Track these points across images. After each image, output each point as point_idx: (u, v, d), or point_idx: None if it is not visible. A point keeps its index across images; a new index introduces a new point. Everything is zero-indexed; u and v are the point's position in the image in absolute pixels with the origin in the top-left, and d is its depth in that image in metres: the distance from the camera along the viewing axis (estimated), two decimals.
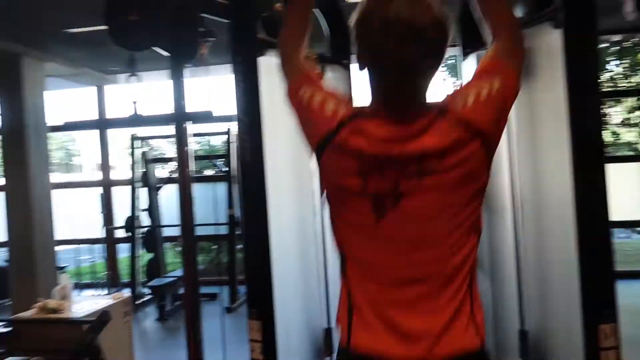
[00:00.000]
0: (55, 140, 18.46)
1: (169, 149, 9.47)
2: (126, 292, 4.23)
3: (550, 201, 2.01)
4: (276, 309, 1.92)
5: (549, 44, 2.06)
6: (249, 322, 1.90)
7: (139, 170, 6.36)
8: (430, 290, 1.07)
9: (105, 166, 7.77)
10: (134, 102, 1.75)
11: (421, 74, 1.09)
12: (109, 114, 7.69)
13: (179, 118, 1.86)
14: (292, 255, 2.16)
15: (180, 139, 1.88)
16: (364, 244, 1.10)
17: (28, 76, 5.92)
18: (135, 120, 1.76)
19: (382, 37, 1.02)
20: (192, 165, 2.00)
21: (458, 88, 1.16)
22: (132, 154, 6.32)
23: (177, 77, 1.86)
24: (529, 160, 2.16)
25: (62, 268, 3.43)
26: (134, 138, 6.15)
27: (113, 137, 8.50)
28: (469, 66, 2.62)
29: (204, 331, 2.58)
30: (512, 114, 2.25)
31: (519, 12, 2.29)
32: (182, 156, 1.90)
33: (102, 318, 2.72)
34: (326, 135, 1.10)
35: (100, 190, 7.12)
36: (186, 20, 1.81)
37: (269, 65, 2.23)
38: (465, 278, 1.09)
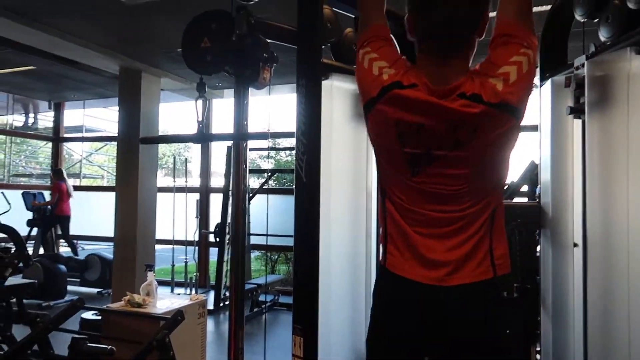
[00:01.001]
0: (172, 146, 20.20)
1: (263, 161, 10.01)
2: (202, 295, 4.49)
3: (622, 241, 1.83)
4: (320, 326, 1.96)
5: (631, 71, 1.90)
6: (293, 337, 1.95)
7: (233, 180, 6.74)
8: (452, 231, 1.23)
9: (204, 173, 8.37)
10: (200, 122, 1.91)
11: (462, 47, 1.21)
12: (214, 126, 8.32)
13: (238, 137, 1.99)
14: (342, 272, 2.19)
15: (238, 156, 2.01)
16: (400, 190, 1.26)
17: (146, 90, 6.61)
18: (201, 137, 1.93)
19: (427, 15, 1.19)
20: (247, 180, 2.14)
21: (490, 58, 1.22)
22: (228, 163, 6.74)
23: (239, 99, 2.00)
24: (602, 195, 1.99)
25: (150, 267, 3.76)
26: (230, 149, 6.58)
27: (217, 146, 9.06)
28: (547, 90, 2.48)
29: (282, 340, 2.66)
30: (587, 145, 2.11)
31: (601, 36, 2.13)
32: (238, 172, 2.03)
33: (176, 317, 2.91)
34: (370, 99, 1.25)
35: (198, 195, 7.66)
36: (251, 46, 1.95)
37: (331, 89, 2.31)
38: (486, 221, 1.23)
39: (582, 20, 2.21)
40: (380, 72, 1.23)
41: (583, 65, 2.13)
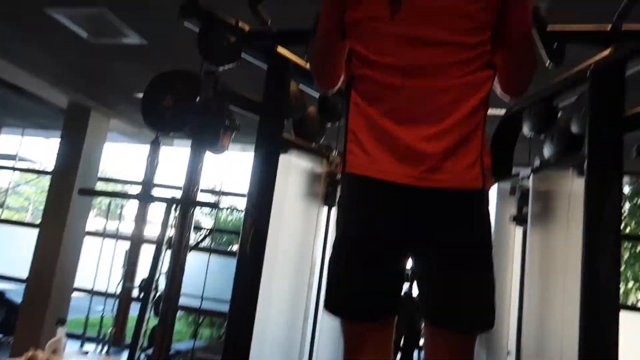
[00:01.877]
0: (109, 186, 19.36)
1: (205, 218, 9.75)
2: (114, 357, 4.11)
3: (556, 353, 1.85)
4: None
5: (572, 191, 2.02)
6: None
7: (169, 233, 6.45)
8: (436, 111, 0.98)
9: (139, 221, 7.97)
10: (147, 179, 1.82)
11: None
12: (160, 174, 8.05)
13: (187, 203, 1.91)
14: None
15: (183, 221, 1.92)
16: (376, 43, 1.03)
17: (92, 129, 6.37)
18: (145, 196, 1.82)
19: None
20: (190, 240, 2.04)
21: None
22: (165, 215, 6.47)
23: (194, 163, 1.94)
24: (538, 306, 2.03)
25: (62, 321, 3.42)
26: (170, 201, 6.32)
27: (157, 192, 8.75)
28: (492, 194, 2.59)
29: None
30: (527, 255, 2.17)
31: (545, 152, 2.27)
32: (181, 239, 1.93)
33: None
34: None
35: (128, 244, 7.25)
36: (213, 112, 1.91)
37: (289, 164, 2.30)
38: (480, 107, 1.00)
39: (529, 136, 2.35)
40: None
41: (528, 177, 2.24)
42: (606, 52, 1.79)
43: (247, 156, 2.26)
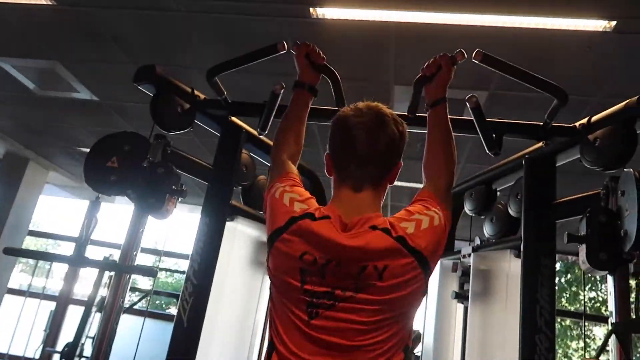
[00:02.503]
0: (40, 241, 18.17)
1: (142, 278, 9.26)
2: None
3: None
4: None
5: (510, 271, 2.09)
6: None
7: (100, 294, 6.06)
8: None
9: (69, 280, 7.46)
10: (81, 241, 1.71)
11: (376, 187, 1.21)
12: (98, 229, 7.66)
13: (123, 269, 1.82)
14: None
15: (118, 284, 1.82)
16: (293, 340, 1.12)
17: (28, 180, 6.06)
18: (78, 260, 1.71)
19: (345, 157, 1.20)
20: (124, 302, 1.92)
21: (406, 208, 1.21)
22: (99, 276, 6.10)
23: (135, 227, 1.87)
24: None
25: None
26: (104, 266, 5.96)
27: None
28: (435, 271, 2.64)
29: None
30: (468, 331, 2.20)
31: (485, 232, 2.37)
32: (114, 301, 1.82)
33: None
34: (276, 229, 1.17)
35: (53, 305, 6.73)
36: (160, 176, 1.88)
37: (234, 231, 2.27)
38: None
39: (471, 215, 2.45)
40: (292, 204, 1.20)
41: (469, 255, 2.31)
42: (539, 145, 1.93)
43: (194, 217, 2.21)
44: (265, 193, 1.29)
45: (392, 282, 1.07)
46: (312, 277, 1.10)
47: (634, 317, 1.51)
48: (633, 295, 1.58)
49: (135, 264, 1.95)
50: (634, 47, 2.72)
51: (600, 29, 2.61)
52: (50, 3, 3.00)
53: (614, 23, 2.55)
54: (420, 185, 1.29)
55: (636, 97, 1.57)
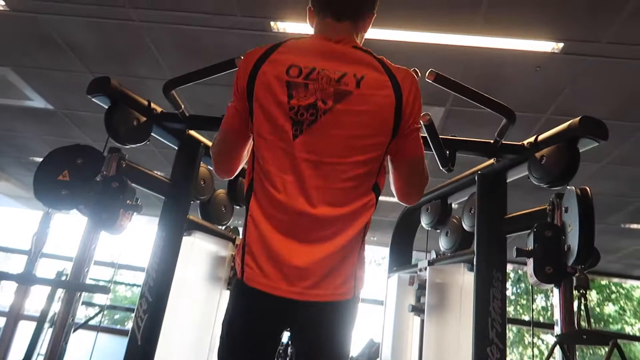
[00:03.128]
0: None
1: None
2: None
3: None
4: None
5: (464, 285, 2.14)
6: None
7: (53, 310, 5.82)
8: (323, 238, 1.10)
9: (19, 295, 7.14)
10: (31, 258, 1.65)
11: (354, 23, 1.23)
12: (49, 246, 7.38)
13: (74, 288, 1.76)
14: None
15: (70, 301, 1.76)
16: (277, 161, 1.13)
17: None
18: (27, 278, 1.64)
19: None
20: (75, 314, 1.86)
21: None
22: (51, 293, 5.86)
23: (86, 243, 1.81)
24: None
25: None
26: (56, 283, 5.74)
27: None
28: (393, 282, 2.68)
29: None
30: (424, 343, 2.23)
31: (441, 245, 2.42)
32: (66, 318, 1.76)
33: None
34: (255, 62, 1.16)
35: (3, 321, 6.41)
36: (114, 191, 1.83)
37: (192, 245, 2.23)
38: (359, 234, 1.13)
39: (427, 229, 2.50)
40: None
41: (425, 268, 2.36)
42: (491, 161, 2.00)
43: (152, 229, 2.16)
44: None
45: (367, 92, 1.12)
46: (298, 89, 1.12)
47: (577, 328, 1.58)
48: (577, 307, 1.65)
49: (88, 280, 1.89)
50: (580, 68, 2.86)
51: (549, 50, 2.74)
52: (1, 8, 2.91)
53: (561, 45, 2.68)
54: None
55: (578, 117, 1.65)
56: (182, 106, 1.97)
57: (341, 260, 1.11)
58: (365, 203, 1.14)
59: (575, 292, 1.59)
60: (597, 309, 10.40)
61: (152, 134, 2.07)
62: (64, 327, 1.92)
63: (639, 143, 3.60)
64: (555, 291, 1.67)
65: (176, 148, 2.22)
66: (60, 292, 1.94)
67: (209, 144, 2.20)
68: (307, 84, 1.12)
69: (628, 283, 9.83)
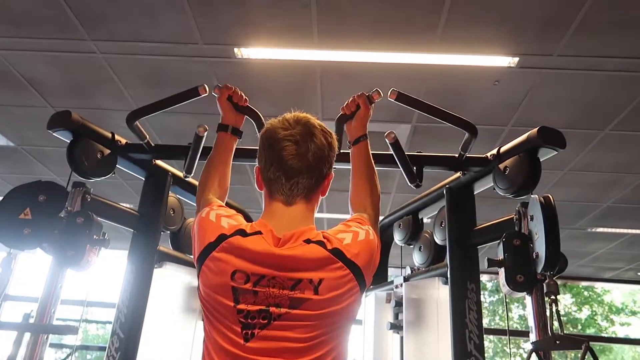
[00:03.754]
0: None
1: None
2: None
3: None
4: None
5: (439, 298, 2.15)
6: None
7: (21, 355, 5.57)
8: None
9: None
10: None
11: (308, 200, 1.19)
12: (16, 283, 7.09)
13: (40, 330, 1.69)
14: None
15: (34, 348, 1.68)
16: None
17: None
18: None
19: (275, 170, 1.16)
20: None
21: (337, 227, 1.19)
22: (17, 336, 5.61)
23: (52, 282, 1.75)
24: None
25: None
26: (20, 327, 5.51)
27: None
28: (370, 301, 2.67)
29: None
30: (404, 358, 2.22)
31: (415, 261, 2.44)
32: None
33: None
34: (206, 246, 1.11)
35: None
36: (79, 227, 1.78)
37: (164, 278, 2.19)
38: None
39: (401, 245, 2.52)
40: (219, 220, 1.16)
41: (401, 284, 2.36)
42: (457, 175, 2.04)
43: (122, 261, 2.10)
44: (193, 224, 1.25)
45: (328, 295, 1.05)
46: (246, 295, 1.05)
47: (551, 334, 1.60)
48: (549, 313, 1.68)
49: (55, 320, 1.82)
50: (536, 80, 2.97)
51: (506, 65, 2.84)
52: None
53: (517, 59, 2.79)
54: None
55: (537, 128, 1.70)
56: (147, 136, 1.94)
57: None
58: None
59: (546, 298, 1.62)
60: (575, 314, 10.57)
61: (117, 165, 2.04)
62: None
63: (599, 149, 3.74)
64: (528, 299, 1.69)
65: (143, 179, 2.19)
66: (27, 336, 1.86)
67: (177, 172, 2.18)
68: (257, 291, 1.06)
69: (598, 286, 10.07)
